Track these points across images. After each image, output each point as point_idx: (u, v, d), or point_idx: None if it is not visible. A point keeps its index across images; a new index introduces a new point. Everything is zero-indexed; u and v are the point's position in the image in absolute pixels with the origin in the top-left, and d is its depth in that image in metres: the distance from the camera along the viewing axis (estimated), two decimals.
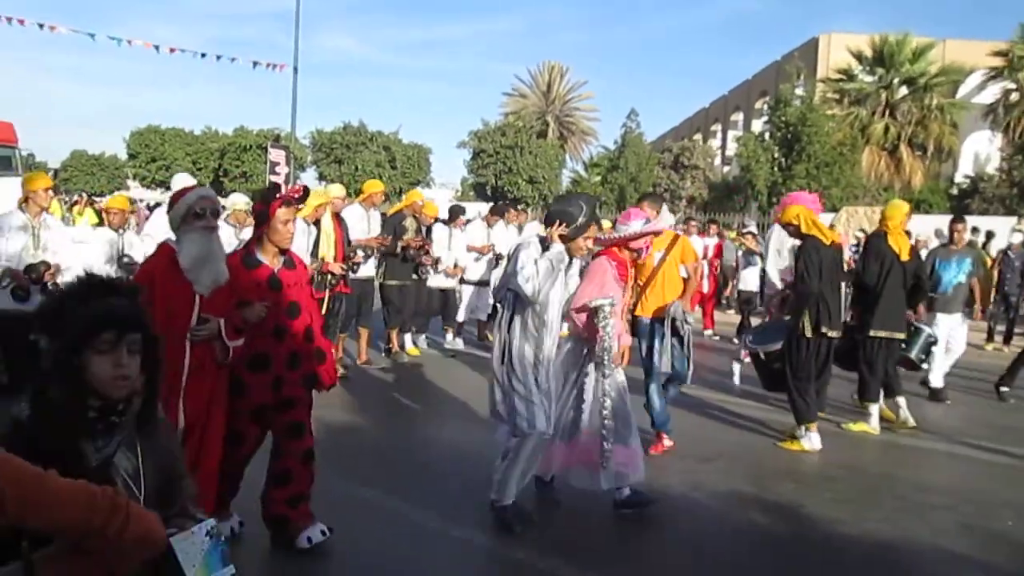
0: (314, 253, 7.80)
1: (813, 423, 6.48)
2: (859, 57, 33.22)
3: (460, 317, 11.13)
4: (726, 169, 38.78)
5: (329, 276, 7.95)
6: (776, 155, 28.51)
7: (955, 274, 8.59)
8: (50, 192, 6.40)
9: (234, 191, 34.39)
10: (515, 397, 4.48)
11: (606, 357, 4.71)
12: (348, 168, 32.62)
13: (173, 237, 6.72)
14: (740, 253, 13.30)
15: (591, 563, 4.27)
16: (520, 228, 12.12)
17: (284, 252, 4.08)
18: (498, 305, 5.00)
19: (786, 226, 6.73)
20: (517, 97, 53.11)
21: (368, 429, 6.95)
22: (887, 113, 32.72)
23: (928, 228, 16.44)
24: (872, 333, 7.11)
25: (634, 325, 6.06)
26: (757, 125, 36.86)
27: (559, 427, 4.83)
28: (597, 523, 4.90)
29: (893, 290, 7.06)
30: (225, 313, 3.76)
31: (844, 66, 33.55)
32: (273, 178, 28.57)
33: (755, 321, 12.64)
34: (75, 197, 40.69)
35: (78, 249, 6.60)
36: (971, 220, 19.08)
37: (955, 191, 30.55)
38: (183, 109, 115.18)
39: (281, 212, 3.94)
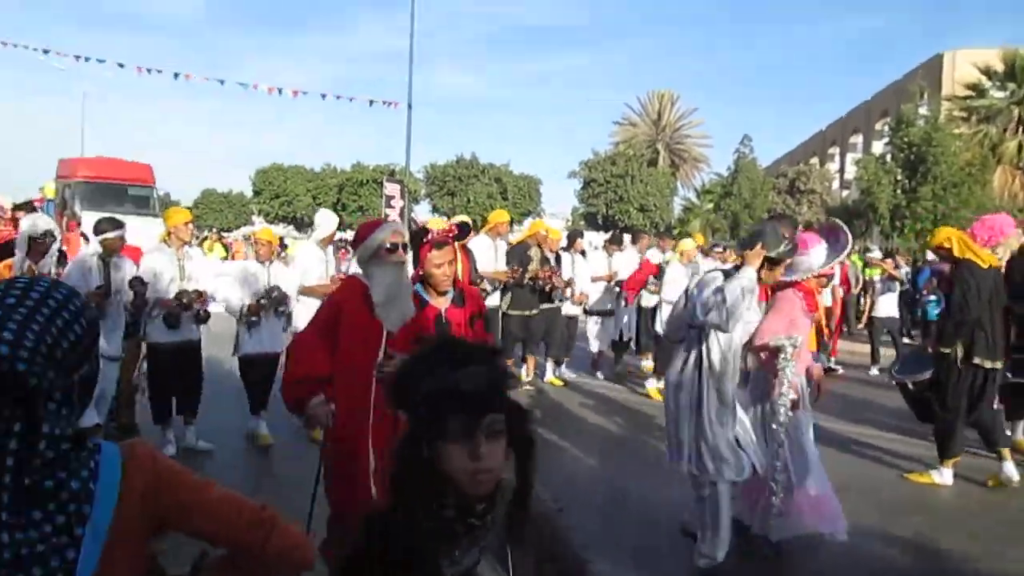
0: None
1: (952, 459, 6.11)
2: (988, 72, 31.66)
3: (594, 348, 10.94)
4: (845, 193, 37.46)
5: None
6: (899, 177, 27.40)
7: None
8: (190, 226, 6.68)
9: (351, 226, 35.68)
10: (719, 445, 4.17)
11: (781, 403, 4.40)
12: (460, 200, 33.27)
13: (315, 268, 6.97)
14: (879, 279, 12.87)
15: None
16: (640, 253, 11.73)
17: (446, 291, 3.89)
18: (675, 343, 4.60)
19: (937, 250, 6.43)
20: (627, 126, 53.07)
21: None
22: (1020, 130, 31.01)
23: None
24: None
25: None
26: (878, 147, 35.57)
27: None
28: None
29: None
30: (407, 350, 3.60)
31: (972, 82, 32.04)
32: (388, 211, 29.35)
33: (884, 351, 12.23)
34: (204, 233, 43.10)
35: (223, 280, 6.91)
36: None
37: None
38: (304, 147, 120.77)
39: (432, 256, 3.77)
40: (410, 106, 30.01)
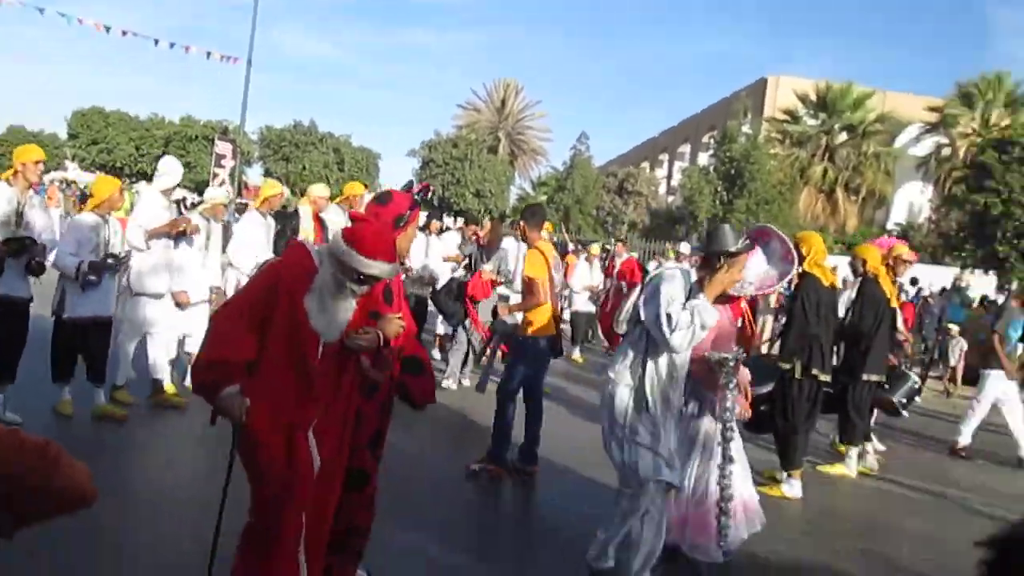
0: (276, 250, 7.45)
1: (798, 470, 6.15)
2: (804, 100, 34.35)
3: (440, 330, 10.71)
4: (670, 199, 39.53)
5: None
6: (719, 188, 29.25)
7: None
8: (41, 165, 5.90)
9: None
10: (639, 446, 3.87)
11: (727, 419, 4.17)
12: (295, 167, 32.43)
13: (160, 218, 6.43)
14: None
15: None
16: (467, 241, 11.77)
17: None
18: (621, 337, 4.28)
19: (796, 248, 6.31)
20: (471, 111, 53.36)
21: None
22: (826, 157, 33.86)
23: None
24: (865, 377, 6.81)
25: None
26: (703, 158, 37.75)
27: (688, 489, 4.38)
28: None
29: (884, 334, 6.85)
30: (364, 324, 3.16)
31: (789, 108, 34.66)
32: (218, 171, 28.26)
33: None
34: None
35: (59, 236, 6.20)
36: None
37: (886, 237, 31.67)
38: (129, 93, 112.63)
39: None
40: (250, 63, 28.87)
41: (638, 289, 4.13)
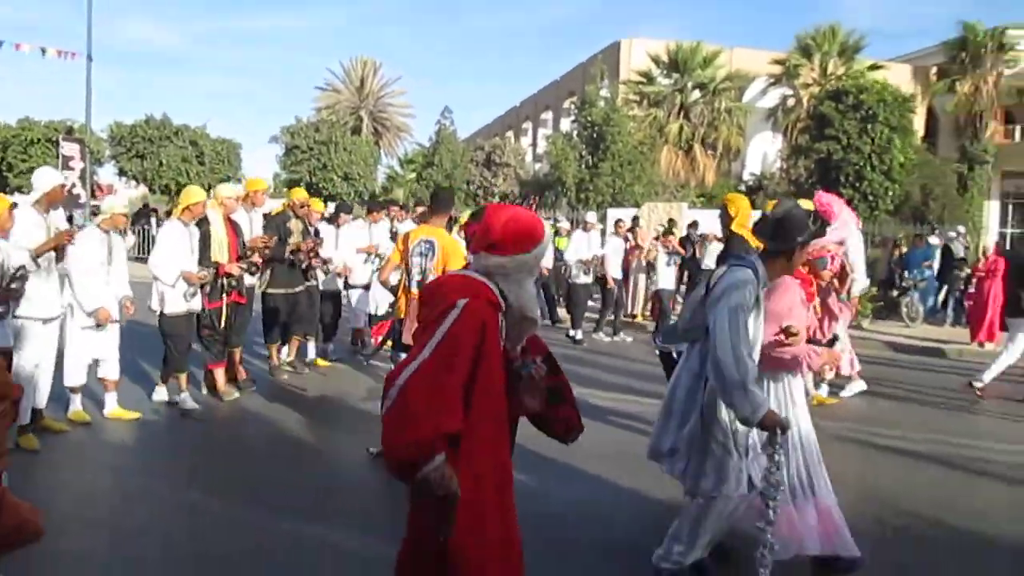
0: (202, 260, 7.37)
1: None
2: (657, 62, 35.49)
3: (359, 324, 10.60)
4: (537, 167, 40.14)
5: (226, 281, 7.49)
6: (583, 153, 29.94)
7: None
8: None
9: (19, 189, 31.83)
10: (708, 457, 3.71)
11: (800, 398, 4.07)
12: (151, 163, 31.04)
13: (35, 235, 5.97)
14: (662, 252, 13.63)
15: None
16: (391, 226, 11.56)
17: None
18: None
19: (722, 212, 6.25)
20: (330, 92, 52.39)
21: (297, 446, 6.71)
22: (682, 115, 35.18)
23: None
24: None
25: None
26: (565, 124, 38.46)
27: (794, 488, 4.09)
28: None
29: None
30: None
31: (644, 70, 35.73)
32: (67, 173, 26.81)
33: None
34: None
35: None
36: (757, 214, 21.01)
37: (743, 188, 33.29)
38: None
39: None
40: (90, 57, 27.54)
41: (701, 288, 3.87)
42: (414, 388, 2.45)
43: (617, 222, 14.36)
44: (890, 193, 22.38)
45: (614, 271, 13.22)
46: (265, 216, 9.04)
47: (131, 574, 4.17)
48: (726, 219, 6.19)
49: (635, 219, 16.05)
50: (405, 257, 6.02)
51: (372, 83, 52.38)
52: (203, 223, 7.50)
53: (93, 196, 29.66)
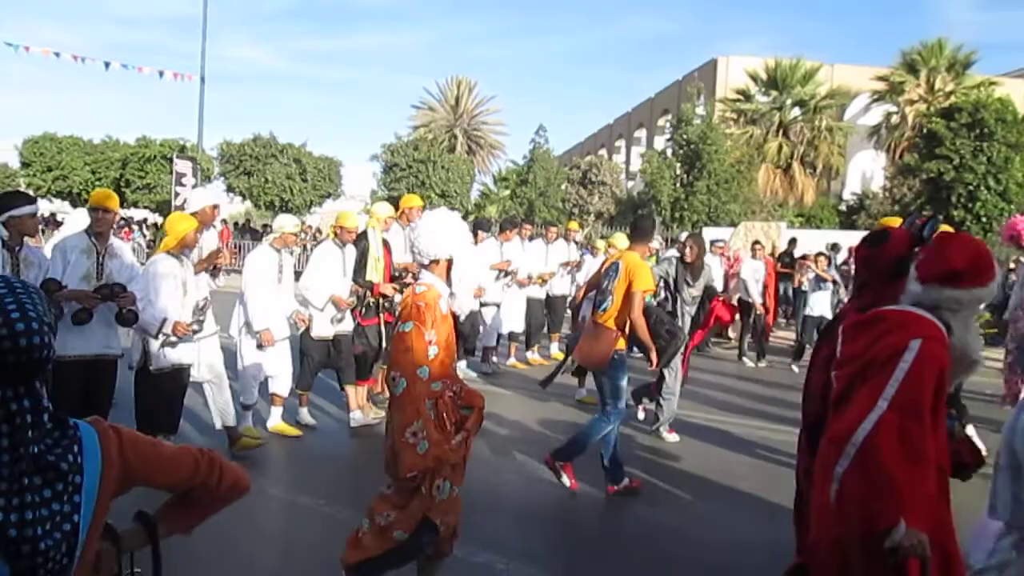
0: (356, 278, 7.43)
1: None
2: (755, 78, 34.99)
3: (490, 342, 10.51)
4: (630, 184, 39.99)
5: (382, 301, 7.52)
6: (679, 171, 29.71)
7: None
8: (113, 214, 5.46)
9: (135, 204, 33.52)
10: None
11: None
12: (258, 180, 32.23)
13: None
14: (811, 276, 12.87)
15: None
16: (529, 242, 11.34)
17: None
18: None
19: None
20: (425, 110, 53.36)
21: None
22: (780, 133, 34.55)
23: (819, 243, 17.53)
24: None
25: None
26: (659, 142, 38.22)
27: None
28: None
29: None
30: None
31: (741, 87, 35.27)
32: (179, 190, 28.12)
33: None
34: None
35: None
36: (859, 235, 20.46)
37: (843, 208, 32.43)
38: (82, 117, 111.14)
39: None
40: (203, 79, 28.86)
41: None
42: (886, 449, 2.20)
43: (755, 244, 13.62)
44: (1005, 214, 21.49)
45: (756, 295, 12.62)
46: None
47: None
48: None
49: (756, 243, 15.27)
50: (598, 281, 6.21)
51: (467, 101, 53.14)
52: (361, 240, 7.53)
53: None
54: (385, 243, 7.76)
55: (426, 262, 3.65)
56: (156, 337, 5.54)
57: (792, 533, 3.18)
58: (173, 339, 5.60)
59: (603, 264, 6.49)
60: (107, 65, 28.28)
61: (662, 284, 7.52)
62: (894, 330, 2.37)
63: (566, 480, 5.80)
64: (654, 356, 5.98)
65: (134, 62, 29.92)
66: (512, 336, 11.02)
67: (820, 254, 14.06)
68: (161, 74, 28.97)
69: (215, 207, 6.44)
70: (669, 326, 6.30)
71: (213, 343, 6.25)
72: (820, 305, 12.23)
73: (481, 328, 10.23)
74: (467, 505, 3.81)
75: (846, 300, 11.87)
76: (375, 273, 7.49)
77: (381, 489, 3.67)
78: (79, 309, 5.03)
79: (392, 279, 7.68)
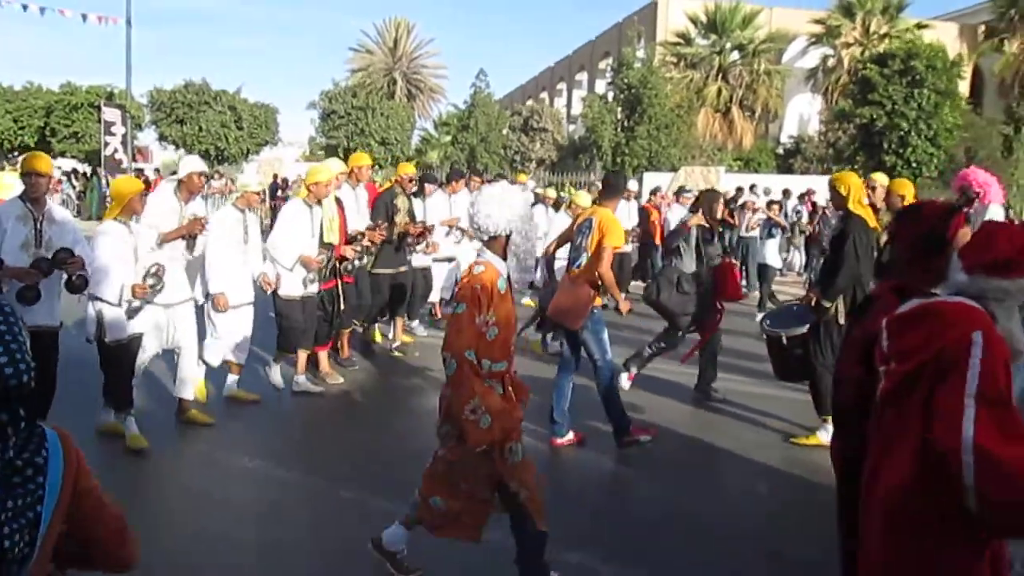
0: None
1: (830, 415, 5.60)
2: (695, 22, 34.95)
3: (434, 297, 10.24)
4: (571, 128, 39.89)
5: (343, 264, 7.33)
6: (619, 116, 29.71)
7: None
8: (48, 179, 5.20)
9: (63, 154, 32.30)
10: None
11: None
12: (191, 128, 31.36)
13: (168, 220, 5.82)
14: (760, 222, 12.77)
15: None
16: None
17: None
18: None
19: (833, 194, 6.12)
20: (364, 53, 52.17)
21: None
22: (720, 77, 34.69)
23: (758, 186, 17.82)
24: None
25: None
26: (600, 85, 38.10)
27: None
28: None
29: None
30: None
31: (681, 30, 35.22)
32: (108, 139, 27.23)
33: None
34: None
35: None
36: (794, 179, 20.90)
37: (781, 151, 32.91)
38: (1, 63, 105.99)
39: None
40: (129, 22, 27.76)
41: None
42: (997, 445, 2.15)
43: (682, 190, 13.42)
44: (935, 159, 22.08)
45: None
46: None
47: (268, 557, 4.29)
48: (838, 200, 6.07)
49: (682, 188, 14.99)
50: (571, 237, 6.22)
51: (406, 44, 52.08)
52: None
53: (134, 160, 30.08)
54: (338, 202, 7.50)
55: (485, 239, 3.65)
56: (119, 305, 5.38)
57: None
58: (136, 303, 5.43)
59: (575, 220, 6.51)
60: (24, 7, 27.04)
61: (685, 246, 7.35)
62: (954, 325, 2.31)
63: (646, 437, 5.99)
64: (623, 304, 6.09)
65: (55, 4, 28.43)
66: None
67: (773, 201, 14.19)
68: (85, 17, 27.81)
69: (201, 174, 6.27)
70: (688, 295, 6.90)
71: (186, 310, 6.09)
72: (772, 254, 12.18)
73: (434, 284, 10.01)
74: None
75: (803, 251, 11.60)
76: (331, 234, 7.26)
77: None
78: (23, 287, 4.78)
79: (348, 241, 7.47)
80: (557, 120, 35.44)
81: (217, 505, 4.99)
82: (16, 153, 31.08)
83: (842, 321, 5.76)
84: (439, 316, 10.39)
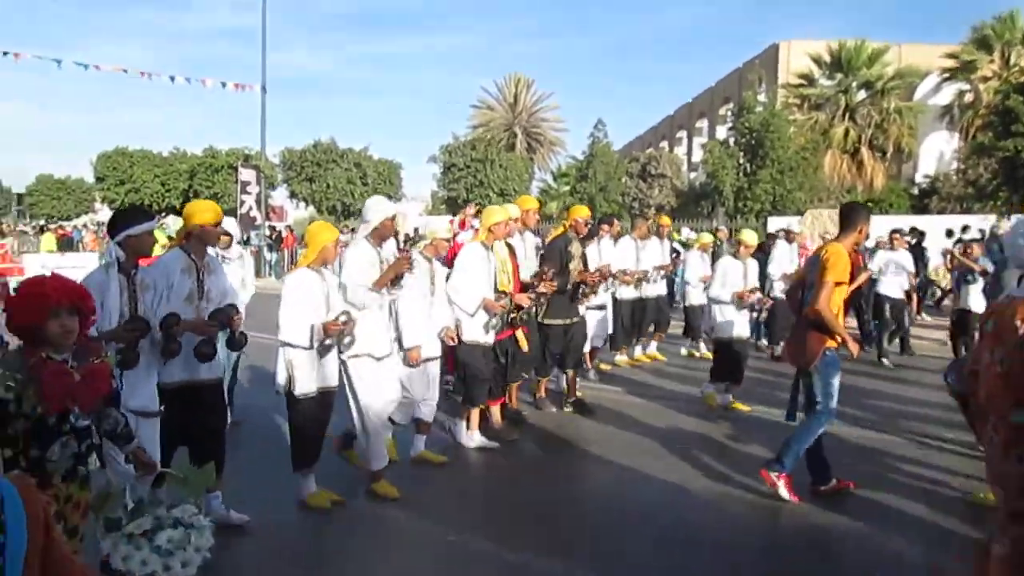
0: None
1: None
2: (818, 62, 34.05)
3: (586, 347, 9.34)
4: (692, 175, 39.39)
5: (519, 312, 6.90)
6: (741, 161, 29.12)
7: None
8: (220, 228, 5.08)
9: None
10: None
11: None
12: (319, 185, 32.80)
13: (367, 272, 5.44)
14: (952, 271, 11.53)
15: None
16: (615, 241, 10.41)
17: None
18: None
19: None
20: (484, 110, 53.47)
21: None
22: (847, 117, 33.54)
23: (887, 228, 16.89)
24: None
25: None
26: (721, 132, 37.54)
27: None
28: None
29: None
30: None
31: (804, 72, 34.36)
32: (244, 198, 28.75)
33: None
34: (40, 222, 40.41)
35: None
36: (932, 220, 19.75)
37: (915, 191, 31.35)
38: (151, 131, 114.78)
39: None
40: (264, 88, 29.48)
41: None
42: None
43: (893, 233, 12.24)
44: None
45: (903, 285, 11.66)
46: (542, 239, 8.43)
47: None
48: None
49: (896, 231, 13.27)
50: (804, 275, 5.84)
51: (525, 99, 53.06)
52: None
53: (267, 218, 31.65)
54: (511, 248, 7.09)
55: None
56: (310, 347, 5.05)
57: None
58: (328, 342, 5.10)
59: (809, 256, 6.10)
60: (172, 79, 29.22)
61: None
62: None
63: (784, 493, 5.43)
64: (852, 346, 5.53)
65: (198, 75, 30.54)
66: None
67: (963, 240, 12.60)
68: (224, 85, 29.74)
69: (393, 218, 5.80)
70: None
71: (389, 364, 5.74)
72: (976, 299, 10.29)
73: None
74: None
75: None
76: (505, 280, 6.84)
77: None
78: (202, 342, 4.61)
79: (523, 288, 7.03)
80: (675, 165, 35.08)
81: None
82: (164, 213, 33.23)
83: None
84: (589, 367, 9.71)
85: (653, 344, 11.50)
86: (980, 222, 19.52)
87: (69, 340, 2.83)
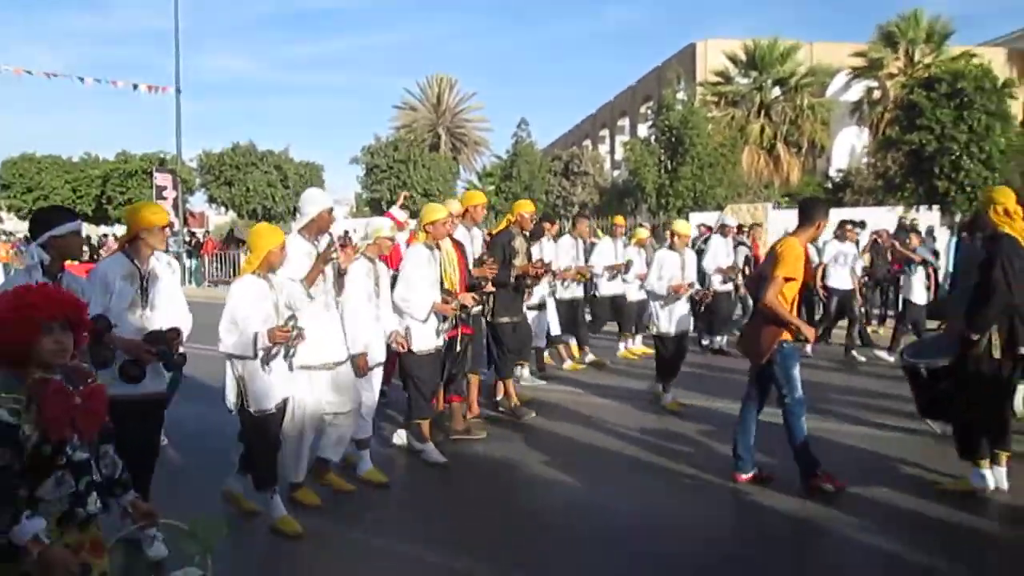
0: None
1: (986, 459, 5.37)
2: (734, 60, 34.85)
3: (540, 343, 9.53)
4: (616, 173, 39.83)
5: (463, 311, 6.66)
6: (662, 158, 29.57)
7: None
8: (168, 231, 4.68)
9: (119, 220, 33.23)
10: None
11: None
12: (239, 189, 32.06)
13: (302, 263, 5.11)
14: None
15: None
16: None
17: None
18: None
19: (976, 217, 5.62)
20: (407, 110, 53.16)
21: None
22: (762, 113, 34.41)
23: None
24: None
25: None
26: (643, 130, 38.08)
27: None
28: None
29: None
30: None
31: (721, 70, 35.13)
32: (161, 202, 27.90)
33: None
34: None
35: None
36: (845, 212, 20.34)
37: (829, 185, 32.31)
38: (60, 136, 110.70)
39: None
40: (178, 91, 28.59)
41: None
42: None
43: (844, 224, 11.98)
44: (989, 182, 21.34)
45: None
46: (488, 234, 8.35)
47: None
48: (983, 220, 5.50)
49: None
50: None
51: (448, 99, 52.95)
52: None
53: (185, 224, 30.80)
54: (458, 244, 6.86)
55: None
56: (255, 356, 4.64)
57: None
58: (274, 350, 4.71)
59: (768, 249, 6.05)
60: (81, 80, 28.11)
61: None
62: None
63: (828, 487, 5.39)
64: (807, 330, 5.59)
65: (107, 76, 29.51)
66: (555, 340, 10.17)
67: (914, 231, 12.81)
68: (135, 87, 28.68)
69: (331, 210, 5.47)
70: None
71: (345, 370, 5.49)
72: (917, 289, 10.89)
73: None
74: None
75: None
76: (452, 279, 6.64)
77: None
78: (129, 363, 4.26)
79: (469, 288, 6.82)
80: (598, 164, 35.44)
81: None
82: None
83: (996, 354, 5.22)
84: (541, 368, 9.81)
85: (638, 339, 11.61)
86: (887, 214, 20.20)
87: (65, 358, 2.49)
